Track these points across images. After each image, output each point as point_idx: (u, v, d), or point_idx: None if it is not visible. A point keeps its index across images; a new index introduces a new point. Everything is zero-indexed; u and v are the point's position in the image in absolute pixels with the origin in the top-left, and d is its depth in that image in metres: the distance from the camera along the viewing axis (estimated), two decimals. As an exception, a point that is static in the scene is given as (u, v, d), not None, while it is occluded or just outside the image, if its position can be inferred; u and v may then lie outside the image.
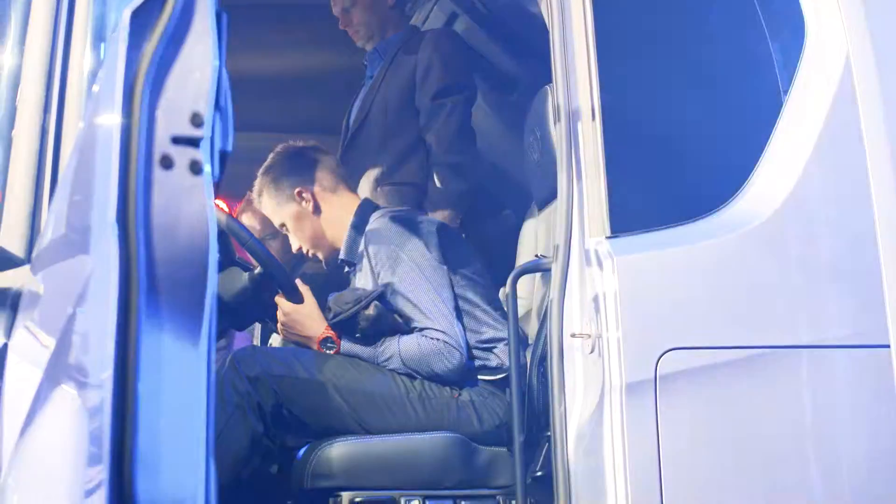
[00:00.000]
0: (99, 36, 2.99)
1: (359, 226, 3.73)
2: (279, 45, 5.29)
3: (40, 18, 2.88)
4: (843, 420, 2.81)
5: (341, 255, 3.78)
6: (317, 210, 3.82)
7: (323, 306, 3.54)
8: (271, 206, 3.85)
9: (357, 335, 3.48)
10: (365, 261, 3.60)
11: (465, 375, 3.46)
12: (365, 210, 3.77)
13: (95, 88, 2.16)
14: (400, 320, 3.49)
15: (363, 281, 3.61)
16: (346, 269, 3.83)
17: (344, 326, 3.48)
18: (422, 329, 3.44)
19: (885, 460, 2.81)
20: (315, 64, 5.53)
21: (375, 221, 3.65)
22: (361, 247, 3.65)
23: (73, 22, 2.88)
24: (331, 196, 3.83)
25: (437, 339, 3.42)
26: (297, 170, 3.85)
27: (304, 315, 3.54)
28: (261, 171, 3.89)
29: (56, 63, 2.85)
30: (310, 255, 3.87)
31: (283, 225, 3.86)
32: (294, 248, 3.88)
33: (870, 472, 2.81)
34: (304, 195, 3.82)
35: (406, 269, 3.48)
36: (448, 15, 4.58)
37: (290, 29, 4.92)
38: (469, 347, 3.47)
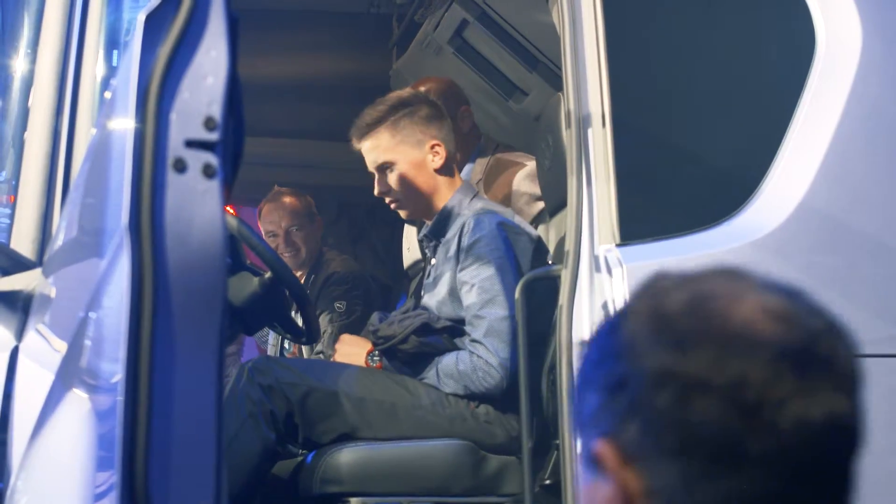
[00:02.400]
0: (112, 41, 3.00)
1: (454, 208, 3.62)
2: (292, 49, 5.29)
3: (53, 23, 2.89)
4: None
5: (427, 232, 3.67)
6: (439, 169, 3.63)
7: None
8: (388, 142, 3.60)
9: (400, 356, 3.51)
10: (454, 248, 3.52)
11: (508, 395, 3.38)
12: (464, 194, 3.65)
13: (108, 94, 2.17)
14: (445, 344, 3.48)
15: (442, 264, 3.57)
16: (426, 242, 3.74)
17: (389, 348, 3.51)
18: (473, 341, 3.43)
19: None
20: (329, 69, 5.54)
21: (482, 216, 3.50)
22: (452, 233, 3.56)
23: (85, 27, 2.89)
24: (451, 162, 3.68)
25: (480, 357, 3.39)
26: (438, 121, 3.66)
27: (349, 348, 3.62)
28: (388, 104, 3.63)
29: (69, 67, 2.86)
30: (391, 204, 3.70)
31: (387, 164, 3.62)
32: (379, 191, 3.66)
33: (887, 482, 2.80)
34: (437, 150, 3.63)
35: (488, 277, 3.42)
36: (459, 22, 4.58)
37: (303, 34, 4.92)
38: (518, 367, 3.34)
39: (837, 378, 1.06)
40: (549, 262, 3.68)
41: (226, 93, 1.83)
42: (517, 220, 3.64)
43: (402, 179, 3.62)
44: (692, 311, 1.05)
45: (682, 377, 1.01)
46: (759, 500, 1.01)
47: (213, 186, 1.79)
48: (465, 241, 3.48)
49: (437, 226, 3.65)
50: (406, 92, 3.74)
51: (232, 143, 1.88)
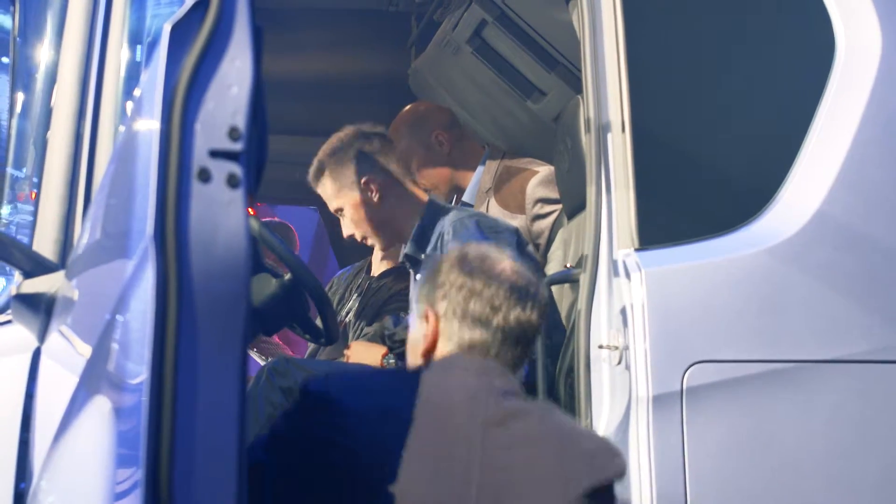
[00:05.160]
0: (135, 40, 3.01)
1: (428, 225, 3.67)
2: (310, 47, 5.30)
3: (76, 21, 2.91)
4: (870, 435, 2.81)
5: (407, 251, 3.73)
6: (382, 201, 3.73)
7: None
8: (332, 189, 3.75)
9: None
10: None
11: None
12: (434, 210, 3.71)
13: (137, 91, 2.19)
14: None
15: None
16: (408, 264, 3.79)
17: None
18: None
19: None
20: (348, 67, 5.54)
21: (458, 223, 3.57)
22: (434, 245, 3.61)
23: (109, 26, 2.90)
24: (399, 188, 3.76)
25: None
26: (364, 157, 3.76)
27: (363, 351, 3.72)
28: (325, 152, 3.79)
29: (92, 66, 2.88)
30: (364, 242, 3.81)
31: (339, 209, 3.77)
32: (346, 234, 3.80)
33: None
34: (370, 185, 3.73)
35: None
36: (478, 22, 4.58)
37: (321, 32, 4.93)
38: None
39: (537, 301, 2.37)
40: (532, 252, 3.74)
41: (250, 102, 1.85)
42: (493, 216, 3.71)
43: (355, 220, 3.75)
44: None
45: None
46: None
47: (237, 196, 1.81)
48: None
49: (416, 244, 3.70)
50: (341, 134, 3.82)
51: (255, 151, 1.90)
